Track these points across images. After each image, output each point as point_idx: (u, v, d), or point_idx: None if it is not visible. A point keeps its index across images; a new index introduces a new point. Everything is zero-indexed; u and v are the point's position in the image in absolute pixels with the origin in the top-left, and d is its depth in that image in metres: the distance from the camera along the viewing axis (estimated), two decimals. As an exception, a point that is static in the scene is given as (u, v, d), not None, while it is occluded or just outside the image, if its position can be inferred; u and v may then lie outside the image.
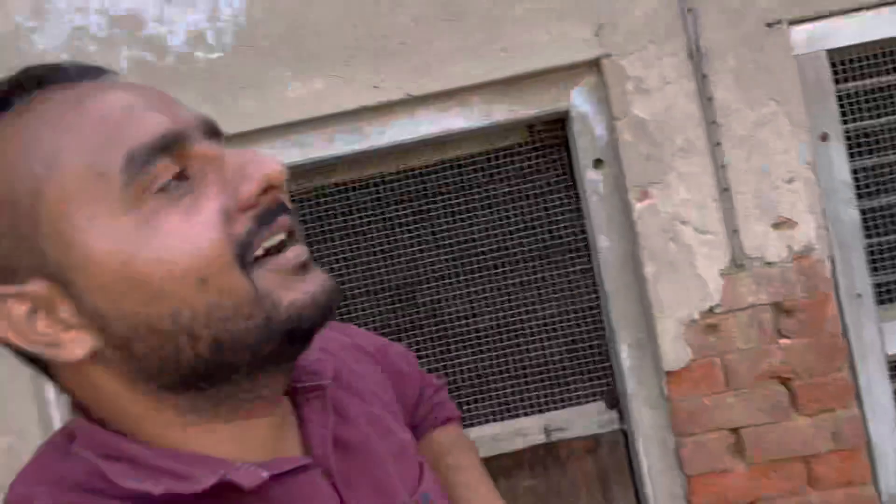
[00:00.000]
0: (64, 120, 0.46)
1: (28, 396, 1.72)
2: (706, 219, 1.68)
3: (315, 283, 0.49)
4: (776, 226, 1.67)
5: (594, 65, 1.70)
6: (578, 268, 1.86)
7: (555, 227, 1.86)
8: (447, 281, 1.88)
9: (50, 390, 1.77)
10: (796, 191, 1.67)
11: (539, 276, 1.87)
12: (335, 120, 1.73)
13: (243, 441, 0.52)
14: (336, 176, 1.85)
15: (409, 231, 1.87)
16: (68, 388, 0.51)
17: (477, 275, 1.88)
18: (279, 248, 0.49)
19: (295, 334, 0.49)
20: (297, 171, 1.77)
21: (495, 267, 1.88)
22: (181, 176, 0.46)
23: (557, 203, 1.85)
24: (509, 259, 1.87)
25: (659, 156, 1.67)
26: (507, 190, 1.86)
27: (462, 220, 1.87)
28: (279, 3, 1.69)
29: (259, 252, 0.47)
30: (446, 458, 0.79)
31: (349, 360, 0.72)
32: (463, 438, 0.84)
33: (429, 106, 1.73)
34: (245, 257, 0.46)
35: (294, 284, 0.49)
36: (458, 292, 1.87)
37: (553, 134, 1.84)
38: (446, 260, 1.87)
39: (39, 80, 0.48)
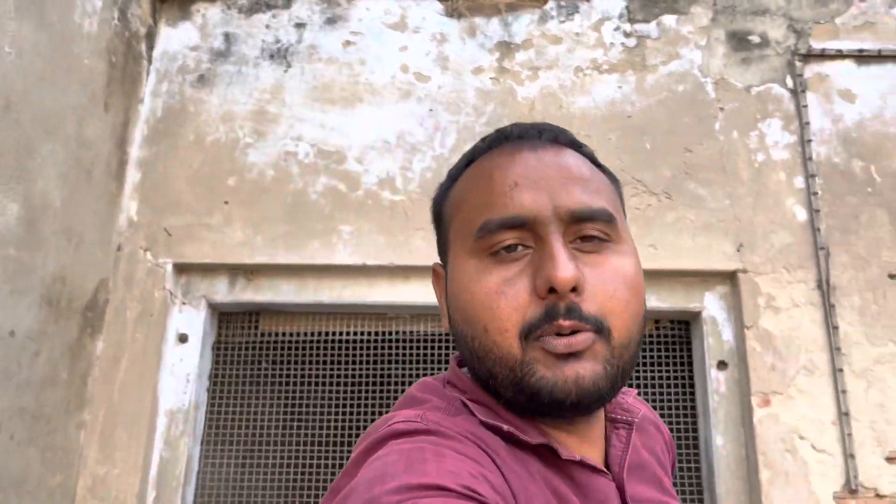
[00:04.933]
0: (484, 174, 0.65)
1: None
2: (824, 439, 1.75)
3: (572, 372, 0.57)
4: (889, 460, 1.73)
5: (730, 276, 1.89)
6: (684, 465, 1.89)
7: (666, 421, 1.93)
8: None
9: (153, 468, 1.77)
10: (911, 430, 1.75)
11: (644, 465, 1.90)
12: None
13: (555, 436, 0.63)
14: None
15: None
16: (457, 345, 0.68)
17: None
18: (560, 333, 0.57)
19: (537, 401, 0.58)
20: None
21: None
22: (514, 247, 0.60)
23: (671, 398, 1.94)
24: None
25: (783, 369, 1.79)
26: (623, 376, 1.96)
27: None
28: (464, 169, 1.96)
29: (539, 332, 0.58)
30: None
31: (652, 431, 0.84)
32: None
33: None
34: (527, 333, 0.58)
35: (554, 365, 0.58)
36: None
37: (677, 330, 1.98)
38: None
39: (507, 135, 0.68)
